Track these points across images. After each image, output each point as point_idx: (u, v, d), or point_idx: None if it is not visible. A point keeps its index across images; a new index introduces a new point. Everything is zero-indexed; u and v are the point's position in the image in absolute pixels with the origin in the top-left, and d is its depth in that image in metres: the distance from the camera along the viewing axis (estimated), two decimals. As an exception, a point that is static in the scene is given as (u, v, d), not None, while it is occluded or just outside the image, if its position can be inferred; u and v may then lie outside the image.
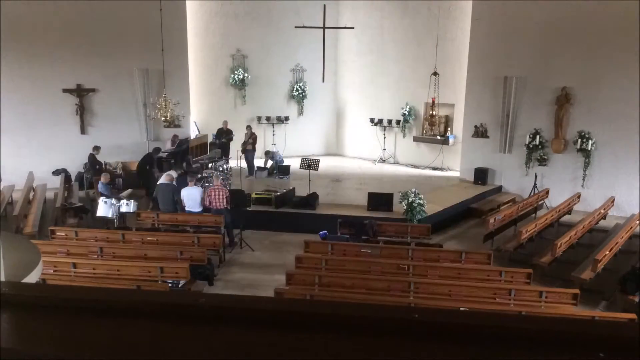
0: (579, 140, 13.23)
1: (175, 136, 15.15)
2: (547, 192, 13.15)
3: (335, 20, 17.42)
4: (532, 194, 13.35)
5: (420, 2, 16.42)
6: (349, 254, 8.70)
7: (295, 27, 15.87)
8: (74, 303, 1.31)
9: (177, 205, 10.44)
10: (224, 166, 13.34)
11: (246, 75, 17.17)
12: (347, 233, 9.93)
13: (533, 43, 13.78)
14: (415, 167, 17.08)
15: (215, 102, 17.30)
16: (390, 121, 17.38)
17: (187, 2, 15.95)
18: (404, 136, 17.41)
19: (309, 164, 12.87)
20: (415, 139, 17.21)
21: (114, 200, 10.31)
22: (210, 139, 16.19)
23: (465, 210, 12.95)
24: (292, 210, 11.69)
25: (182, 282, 7.83)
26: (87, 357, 1.14)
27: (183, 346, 1.17)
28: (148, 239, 9.12)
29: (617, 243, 9.48)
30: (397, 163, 17.61)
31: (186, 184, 10.63)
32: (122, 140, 15.18)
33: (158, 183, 11.00)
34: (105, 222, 10.55)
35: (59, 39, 14.45)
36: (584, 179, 13.39)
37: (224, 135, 15.80)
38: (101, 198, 10.45)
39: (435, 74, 14.78)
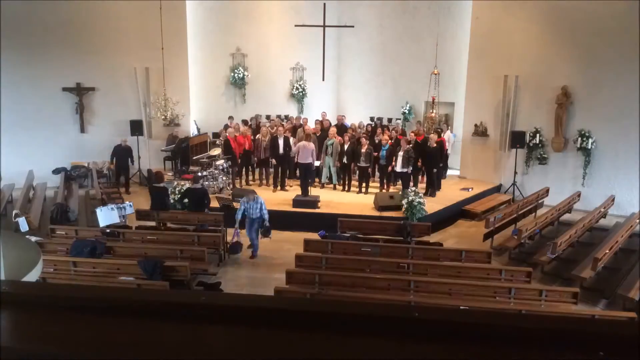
0: (579, 138, 13.21)
1: (170, 135, 15.16)
2: (547, 190, 13.14)
3: (335, 18, 17.37)
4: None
5: (421, 0, 16.40)
6: (349, 253, 8.70)
7: (295, 25, 15.82)
8: (74, 302, 1.31)
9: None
10: (224, 165, 13.30)
11: (246, 73, 17.14)
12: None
13: (533, 42, 13.76)
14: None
15: (215, 100, 17.28)
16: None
17: (186, 0, 15.92)
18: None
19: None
20: (416, 138, 17.19)
21: (112, 206, 10.02)
22: (210, 138, 16.18)
23: (462, 211, 12.94)
24: (292, 210, 11.69)
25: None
26: (87, 356, 1.14)
27: (183, 345, 1.17)
28: (148, 237, 9.12)
29: (617, 242, 9.47)
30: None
31: None
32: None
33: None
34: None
35: (59, 38, 14.42)
36: (584, 178, 13.37)
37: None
38: (98, 207, 9.83)
39: (435, 72, 14.77)
